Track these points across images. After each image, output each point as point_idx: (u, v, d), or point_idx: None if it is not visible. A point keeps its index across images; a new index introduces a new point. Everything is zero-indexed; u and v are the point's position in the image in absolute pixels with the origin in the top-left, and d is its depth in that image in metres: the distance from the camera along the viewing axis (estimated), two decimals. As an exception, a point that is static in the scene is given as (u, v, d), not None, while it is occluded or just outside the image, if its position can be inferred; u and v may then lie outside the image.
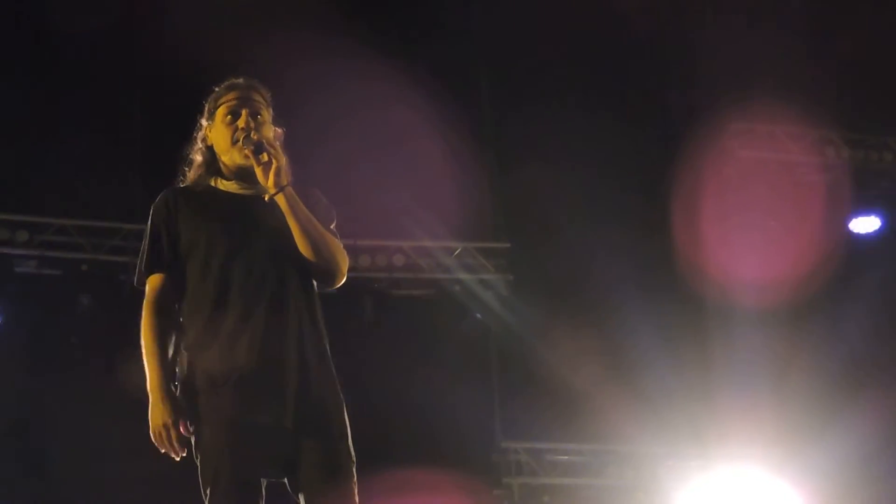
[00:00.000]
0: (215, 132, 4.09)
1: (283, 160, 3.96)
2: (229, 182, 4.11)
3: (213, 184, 4.12)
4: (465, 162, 12.29)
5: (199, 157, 4.14)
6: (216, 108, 4.10)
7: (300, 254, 3.98)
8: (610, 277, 12.12)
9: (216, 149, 4.10)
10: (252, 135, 3.97)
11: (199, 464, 3.87)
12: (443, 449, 12.14)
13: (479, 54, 13.47)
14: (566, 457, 13.40)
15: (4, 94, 11.92)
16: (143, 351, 3.94)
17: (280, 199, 3.94)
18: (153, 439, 3.88)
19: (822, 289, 12.48)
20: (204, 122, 4.14)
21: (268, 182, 3.93)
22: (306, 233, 3.95)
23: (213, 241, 3.98)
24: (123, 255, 12.46)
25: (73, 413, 11.59)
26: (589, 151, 12.52)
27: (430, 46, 12.60)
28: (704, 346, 12.82)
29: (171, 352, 3.98)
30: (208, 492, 3.81)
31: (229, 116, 4.06)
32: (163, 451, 3.89)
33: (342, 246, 4.07)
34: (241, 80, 4.15)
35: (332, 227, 4.09)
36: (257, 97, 4.10)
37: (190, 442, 3.92)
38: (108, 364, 11.92)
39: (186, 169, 4.17)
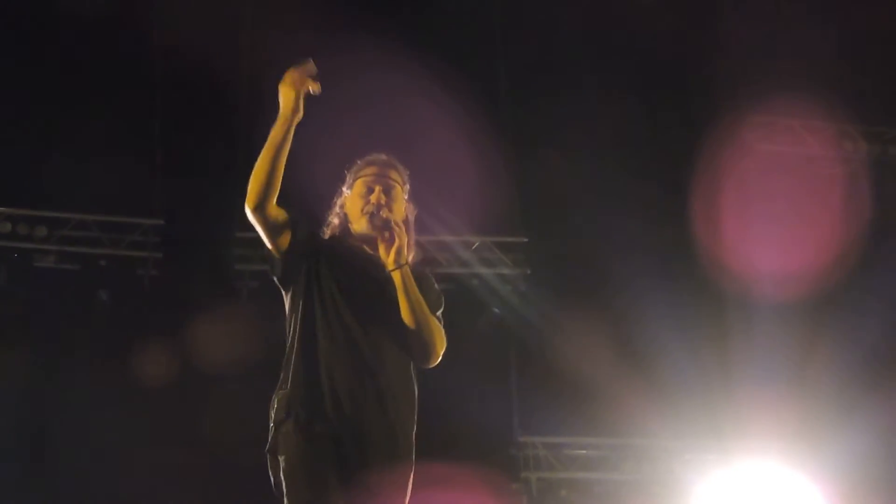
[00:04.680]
0: (350, 202, 4.50)
1: (406, 240, 4.37)
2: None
3: None
4: (482, 155, 12.26)
5: (335, 221, 4.57)
6: (355, 180, 4.52)
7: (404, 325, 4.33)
8: (628, 271, 12.09)
9: (349, 216, 4.50)
10: (382, 212, 4.38)
11: (284, 490, 4.13)
12: (460, 443, 12.12)
13: (498, 45, 13.44)
14: (584, 451, 13.37)
15: (24, 88, 11.95)
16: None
17: (396, 276, 4.34)
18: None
19: (841, 282, 12.45)
20: (344, 189, 4.56)
21: (388, 258, 4.35)
22: (413, 312, 4.34)
23: (335, 284, 4.31)
24: (142, 251, 12.51)
25: (89, 408, 11.61)
26: (607, 144, 12.50)
27: (447, 36, 12.57)
28: (723, 340, 12.77)
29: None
30: None
31: (364, 189, 4.47)
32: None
33: (443, 332, 4.44)
34: (381, 157, 4.57)
35: (438, 313, 4.49)
36: (393, 175, 4.53)
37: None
38: (126, 359, 11.97)
39: (325, 229, 4.58)
